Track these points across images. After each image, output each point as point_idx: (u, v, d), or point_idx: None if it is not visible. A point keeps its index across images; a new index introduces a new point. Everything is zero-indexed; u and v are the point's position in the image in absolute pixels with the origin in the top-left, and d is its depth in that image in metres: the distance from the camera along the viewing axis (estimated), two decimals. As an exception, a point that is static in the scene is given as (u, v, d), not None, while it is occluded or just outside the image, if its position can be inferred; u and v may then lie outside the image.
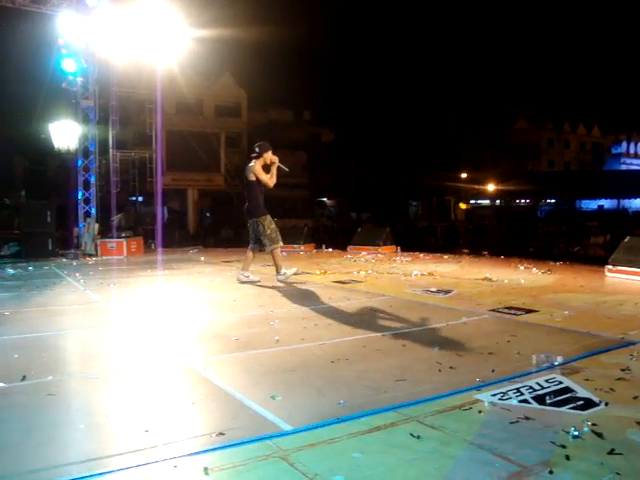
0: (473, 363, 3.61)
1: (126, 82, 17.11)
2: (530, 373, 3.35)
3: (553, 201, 40.04)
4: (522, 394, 2.96)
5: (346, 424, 2.58)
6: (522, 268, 9.45)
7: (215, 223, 29.62)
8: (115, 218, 16.19)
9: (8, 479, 2.11)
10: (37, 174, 24.06)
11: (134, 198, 23.66)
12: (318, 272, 8.98)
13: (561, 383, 3.13)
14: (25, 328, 4.90)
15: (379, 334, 4.49)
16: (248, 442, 2.38)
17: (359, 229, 15.71)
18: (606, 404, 2.80)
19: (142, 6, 13.04)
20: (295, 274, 8.05)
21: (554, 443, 2.35)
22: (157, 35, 13.45)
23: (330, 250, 14.79)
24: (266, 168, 7.74)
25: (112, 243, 14.06)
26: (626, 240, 8.59)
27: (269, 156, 7.71)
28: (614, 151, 54.19)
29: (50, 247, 12.90)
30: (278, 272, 7.79)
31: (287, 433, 2.50)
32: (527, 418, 2.63)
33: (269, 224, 7.66)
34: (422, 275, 8.53)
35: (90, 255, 13.59)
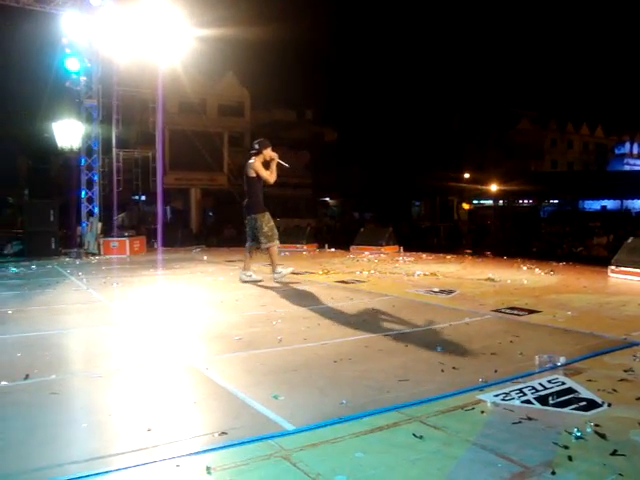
0: (476, 363, 3.61)
1: (129, 81, 17.13)
2: (533, 374, 3.34)
3: (556, 201, 39.95)
4: (525, 395, 2.95)
5: (348, 424, 2.58)
6: (525, 268, 9.44)
7: (218, 222, 29.61)
8: (118, 217, 16.24)
9: (12, 477, 2.12)
10: (40, 173, 24.04)
11: (137, 197, 23.69)
12: (321, 272, 8.98)
13: (564, 384, 3.12)
14: (28, 327, 4.91)
15: (381, 334, 4.48)
16: (250, 442, 2.38)
17: (362, 229, 15.71)
18: (609, 405, 2.79)
19: (146, 5, 13.05)
20: (291, 273, 8.06)
21: (557, 444, 2.35)
22: (160, 34, 13.46)
23: (333, 250, 14.80)
24: (266, 165, 7.74)
25: (115, 242, 14.07)
26: (629, 241, 8.58)
27: (269, 153, 7.72)
28: (617, 152, 54.03)
29: (53, 246, 12.92)
30: (274, 271, 7.80)
31: (289, 433, 2.50)
32: (530, 419, 2.62)
33: (267, 221, 7.67)
34: (425, 275, 8.53)
35: (93, 254, 13.60)
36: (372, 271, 9.20)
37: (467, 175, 40.44)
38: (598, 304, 5.84)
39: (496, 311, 5.43)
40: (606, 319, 5.02)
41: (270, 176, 7.71)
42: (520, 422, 2.59)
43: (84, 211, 14.59)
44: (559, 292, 6.75)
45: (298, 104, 38.74)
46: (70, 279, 8.66)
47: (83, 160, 14.60)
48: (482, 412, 2.74)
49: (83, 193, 14.61)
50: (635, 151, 53.50)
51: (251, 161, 7.69)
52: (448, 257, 12.28)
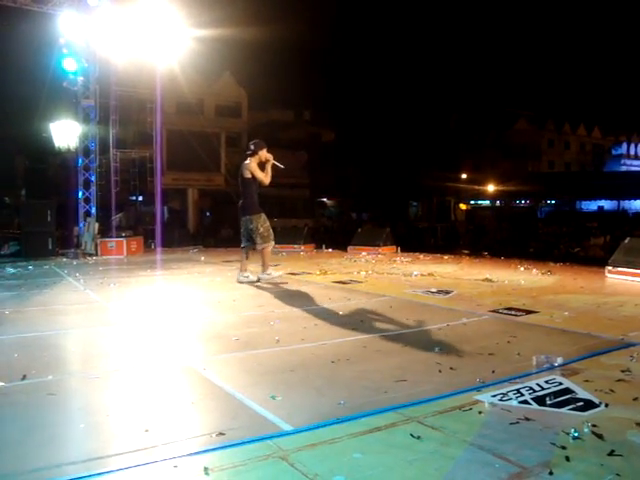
0: (473, 364, 3.61)
1: (127, 81, 17.11)
2: (530, 374, 3.35)
3: (553, 202, 40.03)
4: (522, 395, 2.96)
5: (346, 424, 2.58)
6: (522, 269, 9.46)
7: (215, 223, 29.59)
8: (115, 217, 16.21)
9: (9, 478, 2.12)
10: (38, 173, 24.03)
11: (134, 197, 23.66)
12: (318, 272, 8.98)
13: (561, 384, 3.13)
14: (25, 327, 4.91)
15: (379, 334, 4.49)
16: (248, 442, 2.38)
17: (359, 229, 15.72)
18: (606, 405, 2.80)
19: (143, 6, 13.04)
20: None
21: (554, 444, 2.36)
22: (158, 35, 13.45)
23: (330, 250, 14.80)
24: (261, 166, 7.75)
25: (112, 242, 14.06)
26: (626, 241, 8.59)
27: (264, 154, 7.73)
28: (614, 152, 54.14)
29: (50, 246, 12.90)
30: (264, 271, 7.80)
31: (287, 433, 2.50)
32: (527, 419, 2.63)
33: (263, 222, 7.67)
34: (422, 276, 8.53)
35: (90, 254, 13.58)
36: (369, 271, 9.20)
37: (464, 175, 40.48)
38: (595, 304, 5.85)
39: (493, 311, 5.44)
40: (603, 319, 5.03)
41: (265, 177, 7.72)
42: (518, 422, 2.60)
43: (81, 211, 14.59)
44: (556, 292, 6.76)
45: (295, 104, 38.75)
46: (67, 280, 8.64)
47: (80, 160, 14.59)
48: (480, 412, 2.74)
49: (80, 193, 14.60)
50: (632, 152, 53.63)
51: (247, 162, 7.69)
52: (445, 257, 12.29)
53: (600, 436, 2.43)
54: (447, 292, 6.74)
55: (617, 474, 2.10)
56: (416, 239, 21.57)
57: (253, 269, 8.30)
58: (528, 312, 5.37)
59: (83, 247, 13.85)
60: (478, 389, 3.08)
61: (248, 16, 27.66)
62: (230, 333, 4.55)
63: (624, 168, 50.72)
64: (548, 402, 2.86)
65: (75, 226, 14.84)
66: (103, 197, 15.51)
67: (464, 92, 46.76)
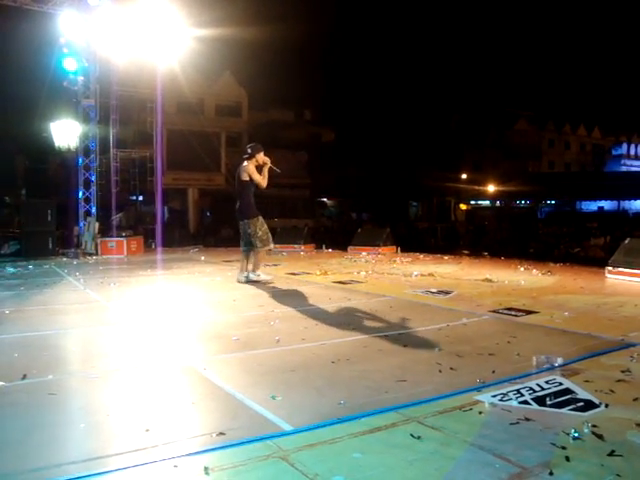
0: (473, 364, 3.61)
1: (127, 81, 17.13)
2: (530, 374, 3.35)
3: (553, 202, 40.05)
4: (522, 395, 2.96)
5: (346, 424, 2.58)
6: (522, 269, 9.45)
7: (215, 222, 29.60)
8: (115, 217, 16.21)
9: (9, 477, 2.12)
10: (38, 173, 24.06)
11: (134, 197, 23.66)
12: (318, 272, 8.98)
13: (561, 384, 3.13)
14: (26, 327, 4.91)
15: (379, 335, 4.49)
16: (248, 442, 2.38)
17: (359, 229, 15.72)
18: (606, 406, 2.80)
19: (143, 5, 13.04)
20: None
21: (554, 444, 2.36)
22: (158, 34, 13.44)
23: (330, 250, 14.80)
24: (258, 169, 7.74)
25: (112, 242, 14.06)
26: (626, 242, 8.59)
27: (261, 157, 7.73)
28: (614, 152, 54.14)
29: (50, 246, 12.91)
30: (254, 270, 7.78)
31: (287, 433, 2.50)
32: (527, 419, 2.63)
33: (261, 226, 7.66)
34: (422, 276, 8.53)
35: (90, 254, 13.59)
36: (370, 272, 9.20)
37: (464, 176, 40.49)
38: (595, 305, 5.85)
39: (494, 312, 5.44)
40: (603, 320, 5.03)
41: (263, 180, 7.71)
42: (518, 423, 2.60)
43: (81, 211, 14.59)
44: (556, 293, 6.76)
45: (296, 104, 38.76)
46: (67, 279, 8.65)
47: (80, 160, 14.60)
48: (480, 413, 2.74)
49: (80, 193, 14.61)
50: (632, 152, 53.63)
51: (244, 165, 7.69)
52: (445, 258, 12.28)
53: (600, 436, 2.43)
54: (447, 292, 6.74)
55: (617, 474, 2.10)
56: (416, 239, 21.57)
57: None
58: (528, 312, 5.37)
59: (83, 247, 13.86)
60: (478, 389, 3.08)
61: (248, 16, 27.73)
62: (230, 333, 4.55)
63: (624, 168, 50.73)
64: (548, 402, 2.86)
65: (75, 226, 14.85)
66: (103, 197, 15.52)
67: (465, 92, 46.84)
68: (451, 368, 3.50)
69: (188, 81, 21.87)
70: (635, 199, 36.83)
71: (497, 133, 47.29)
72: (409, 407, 2.80)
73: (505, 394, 2.97)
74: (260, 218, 7.70)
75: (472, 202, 40.86)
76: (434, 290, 6.92)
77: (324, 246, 15.32)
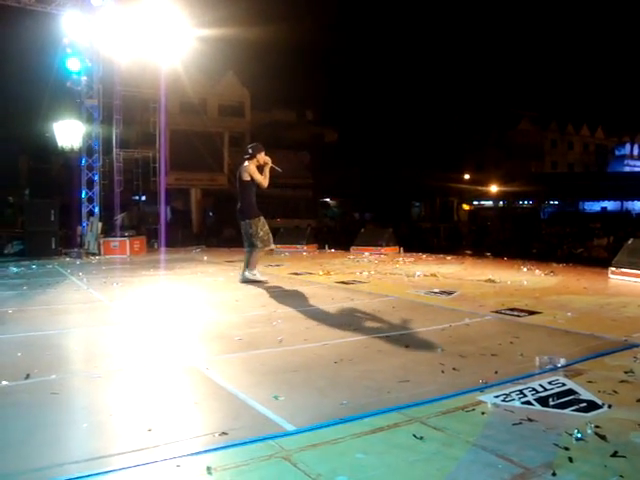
0: (476, 364, 3.61)
1: (130, 81, 17.15)
2: (533, 375, 3.34)
3: (556, 202, 39.99)
4: (525, 396, 2.95)
5: (349, 424, 2.58)
6: (525, 269, 9.43)
7: (218, 223, 29.61)
8: (118, 217, 16.23)
9: (12, 477, 2.12)
10: (41, 173, 24.09)
11: (137, 197, 23.68)
12: (321, 272, 8.98)
13: (564, 385, 3.12)
14: (29, 326, 4.92)
15: (382, 335, 4.48)
16: (251, 442, 2.38)
17: (362, 230, 15.72)
18: (609, 406, 2.79)
19: (147, 6, 13.06)
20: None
21: (557, 445, 2.35)
22: (161, 34, 13.47)
23: (333, 250, 14.80)
24: (259, 169, 7.74)
25: (115, 242, 14.09)
26: (629, 242, 8.56)
27: (262, 157, 7.72)
28: (618, 153, 54.02)
29: (53, 246, 12.94)
30: (249, 269, 7.78)
31: (290, 433, 2.50)
32: (530, 420, 2.62)
33: (262, 226, 7.65)
34: (425, 276, 8.53)
35: (93, 254, 13.62)
36: (372, 272, 9.20)
37: (467, 176, 40.45)
38: (598, 305, 5.83)
39: (496, 312, 5.43)
40: (606, 320, 5.01)
41: (264, 180, 7.71)
42: (520, 423, 2.59)
43: (84, 211, 14.63)
44: (559, 293, 6.74)
45: (298, 105, 38.77)
46: (70, 279, 8.66)
47: (84, 160, 14.63)
48: (482, 413, 2.74)
49: (83, 193, 14.64)
50: (635, 152, 53.50)
51: (245, 165, 7.69)
52: (448, 258, 12.27)
53: (603, 437, 2.42)
54: (450, 293, 6.73)
55: (620, 475, 2.09)
56: (419, 239, 21.55)
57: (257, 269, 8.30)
58: (531, 313, 5.36)
59: (86, 247, 13.89)
60: (481, 390, 3.07)
61: (251, 16, 27.69)
62: (233, 333, 4.55)
63: (627, 169, 50.63)
64: (551, 403, 2.85)
65: (78, 226, 14.89)
66: (106, 197, 15.55)
67: (467, 92, 46.78)
68: (454, 368, 3.49)
69: (191, 81, 21.89)
70: (638, 199, 36.76)
71: (500, 133, 47.25)
72: (411, 407, 2.79)
73: (508, 394, 2.97)
74: (261, 218, 7.69)
75: (475, 202, 40.83)
76: (437, 290, 6.91)
77: (327, 246, 15.33)
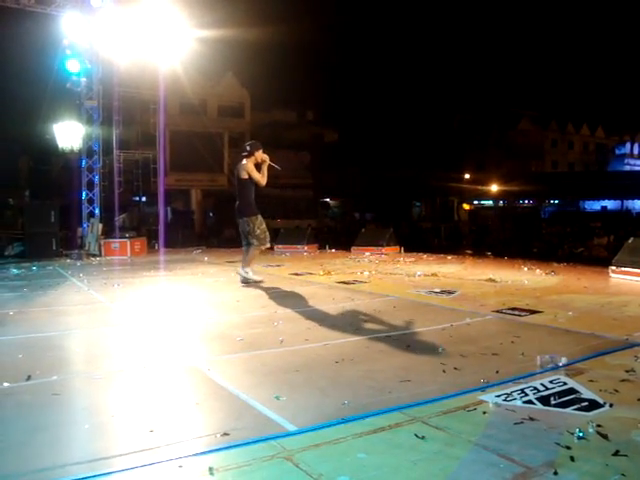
0: (477, 364, 3.61)
1: (130, 82, 17.15)
2: (534, 374, 3.34)
3: (557, 202, 39.97)
4: (526, 395, 2.95)
5: (350, 424, 2.58)
6: (526, 269, 9.43)
7: (218, 223, 29.61)
8: (119, 218, 16.24)
9: (13, 478, 2.12)
10: (41, 174, 24.10)
11: (138, 198, 23.69)
12: (322, 272, 8.98)
13: (565, 384, 3.12)
14: (30, 328, 4.92)
15: (383, 335, 4.48)
16: (252, 442, 2.39)
17: (362, 230, 15.72)
18: (611, 405, 2.79)
19: (146, 7, 13.06)
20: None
21: (559, 444, 2.35)
22: (161, 36, 13.47)
23: (333, 250, 14.80)
24: (257, 167, 7.73)
25: (115, 243, 14.08)
26: (630, 241, 8.56)
27: (260, 155, 7.71)
28: (618, 152, 53.99)
29: (54, 247, 12.95)
30: (243, 267, 7.78)
31: (291, 433, 2.50)
32: (532, 419, 2.63)
33: (259, 224, 7.64)
34: (426, 276, 8.53)
35: (94, 255, 13.62)
36: (373, 272, 9.20)
37: (467, 175, 40.45)
38: (599, 304, 5.83)
39: (497, 312, 5.43)
40: (607, 319, 5.01)
41: (262, 178, 7.70)
42: (522, 422, 2.59)
43: (85, 212, 14.62)
44: (560, 292, 6.74)
45: (298, 105, 38.76)
46: (71, 280, 8.66)
47: (84, 161, 14.63)
48: (484, 413, 2.74)
49: (84, 194, 14.64)
50: (636, 151, 53.48)
51: (243, 163, 7.67)
52: (449, 258, 12.27)
53: (605, 436, 2.42)
54: (451, 292, 6.73)
55: (622, 474, 2.09)
56: (419, 239, 21.54)
57: (257, 269, 8.31)
58: (532, 312, 5.36)
59: (87, 248, 13.89)
60: (482, 389, 3.07)
61: (251, 17, 27.72)
62: (234, 333, 4.55)
63: (628, 168, 50.59)
64: (552, 402, 2.85)
65: (79, 227, 14.89)
66: (106, 198, 15.54)
67: (467, 92, 46.77)
68: (455, 368, 3.49)
69: (191, 82, 21.89)
70: (639, 198, 36.73)
71: (500, 133, 47.24)
72: (413, 407, 2.79)
73: (509, 394, 2.97)
74: (259, 217, 7.68)
75: (475, 202, 40.79)
76: (437, 290, 6.91)
77: (327, 246, 15.33)
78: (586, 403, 2.83)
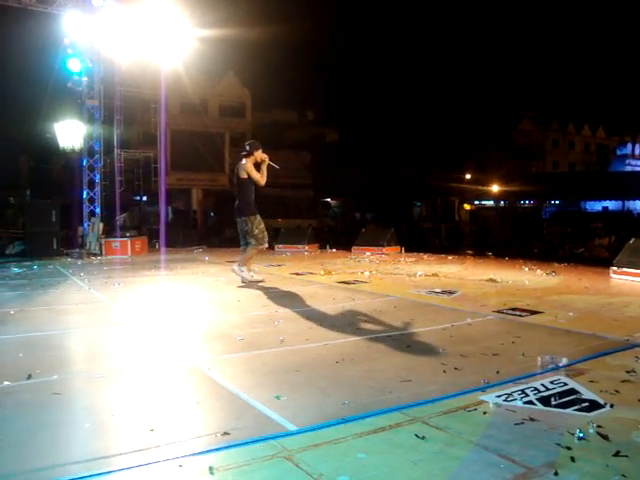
0: (478, 364, 3.60)
1: (131, 82, 17.17)
2: (535, 374, 3.34)
3: (557, 202, 39.95)
4: (527, 395, 2.95)
5: (351, 424, 2.58)
6: (526, 269, 9.43)
7: (219, 223, 29.61)
8: (119, 217, 16.24)
9: (13, 477, 2.12)
10: (42, 173, 24.14)
11: (138, 198, 23.71)
12: (322, 272, 8.98)
13: (566, 385, 3.12)
14: (30, 327, 4.92)
15: (383, 335, 4.48)
16: (253, 442, 2.39)
17: (363, 229, 15.73)
18: (611, 406, 2.79)
19: (147, 6, 13.06)
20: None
21: (559, 445, 2.35)
22: (162, 35, 13.46)
23: (334, 250, 14.80)
24: (257, 166, 7.73)
25: (116, 242, 14.08)
26: (631, 242, 8.56)
27: (259, 154, 7.70)
28: (619, 152, 53.89)
29: (55, 246, 12.95)
30: (240, 266, 7.77)
31: (292, 433, 2.50)
32: (532, 419, 2.62)
33: (258, 224, 7.64)
34: (426, 276, 8.52)
35: (94, 254, 13.62)
36: (373, 272, 9.20)
37: (468, 176, 40.39)
38: (600, 305, 5.83)
39: (498, 312, 5.42)
40: (608, 320, 5.01)
41: (261, 178, 7.69)
42: (522, 423, 2.59)
43: (86, 211, 14.62)
44: (561, 293, 6.74)
45: (299, 105, 38.74)
46: (72, 279, 8.66)
47: (85, 160, 14.63)
48: (484, 413, 2.73)
49: (85, 193, 14.64)
50: (637, 152, 53.36)
51: (242, 162, 7.67)
52: (449, 258, 12.27)
53: (605, 437, 2.42)
54: (451, 292, 6.73)
55: (623, 475, 2.09)
56: (420, 239, 21.52)
57: (258, 268, 8.31)
58: (532, 312, 5.36)
59: (87, 247, 13.89)
60: (483, 389, 3.07)
61: (252, 16, 27.71)
62: (234, 333, 4.55)
63: (629, 168, 50.51)
64: (553, 403, 2.85)
65: (79, 226, 14.89)
66: (107, 197, 15.54)
67: (468, 92, 46.70)
68: (455, 368, 3.49)
69: (192, 82, 21.92)
70: (640, 199, 36.70)
71: (501, 133, 47.18)
72: (413, 407, 2.79)
73: (510, 394, 2.97)
74: (258, 217, 7.67)
75: (476, 202, 40.76)
76: (438, 290, 6.91)
77: (328, 246, 15.33)
78: (587, 404, 2.83)
